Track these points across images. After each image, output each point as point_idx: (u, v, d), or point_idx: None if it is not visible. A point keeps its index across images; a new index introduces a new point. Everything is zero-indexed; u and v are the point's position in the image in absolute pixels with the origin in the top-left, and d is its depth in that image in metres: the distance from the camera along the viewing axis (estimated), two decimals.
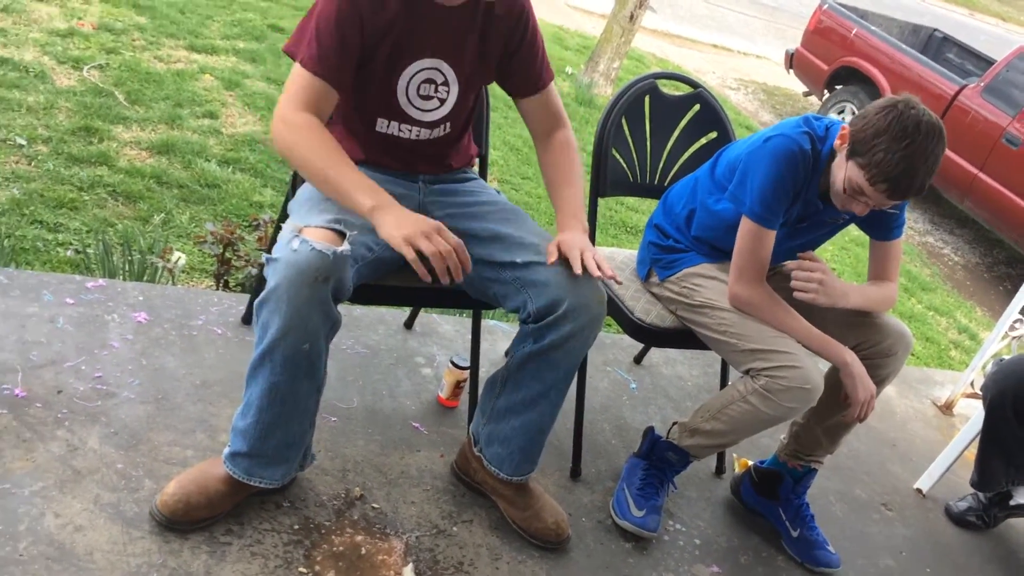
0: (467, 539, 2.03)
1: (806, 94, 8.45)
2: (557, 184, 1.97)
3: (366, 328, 2.61)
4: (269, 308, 1.65)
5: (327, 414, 2.23)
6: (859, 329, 2.17)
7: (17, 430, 1.89)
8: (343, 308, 2.64)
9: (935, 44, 8.14)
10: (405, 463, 2.18)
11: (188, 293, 2.56)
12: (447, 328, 2.79)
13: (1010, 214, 6.11)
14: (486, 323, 2.87)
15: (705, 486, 2.49)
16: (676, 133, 2.55)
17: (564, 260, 1.83)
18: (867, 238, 2.24)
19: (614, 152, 2.44)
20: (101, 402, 2.04)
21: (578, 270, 1.78)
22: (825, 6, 7.88)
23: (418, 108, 1.90)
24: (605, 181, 2.42)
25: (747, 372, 2.06)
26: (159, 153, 3.76)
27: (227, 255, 2.79)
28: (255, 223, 2.89)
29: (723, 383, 2.61)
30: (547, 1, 9.60)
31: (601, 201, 2.47)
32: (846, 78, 7.56)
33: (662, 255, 2.29)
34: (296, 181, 2.15)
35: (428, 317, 2.81)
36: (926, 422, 3.33)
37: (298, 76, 1.75)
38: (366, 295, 1.92)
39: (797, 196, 2.06)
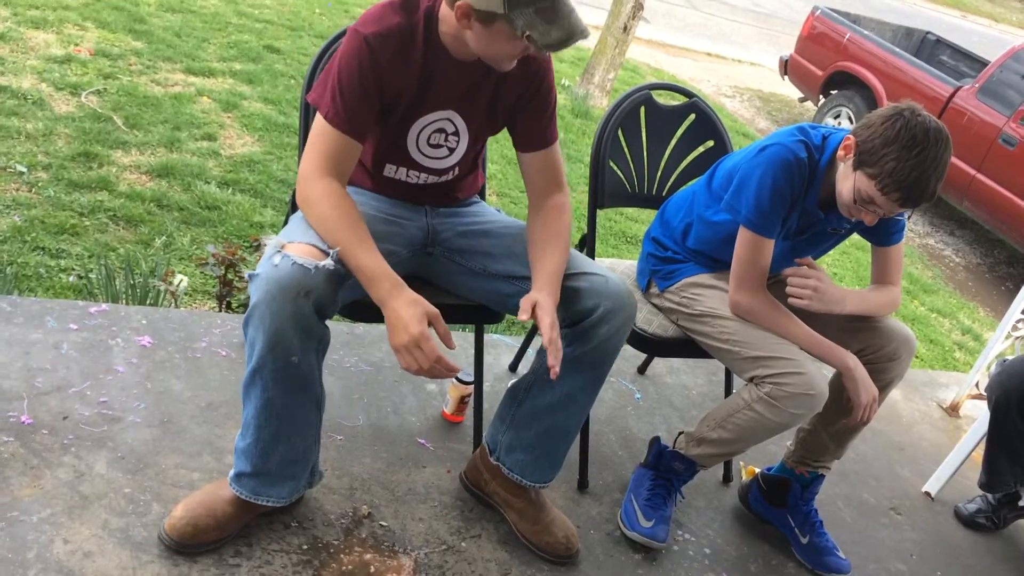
0: (476, 554, 2.02)
1: (801, 100, 8.48)
2: (542, 245, 1.88)
3: (369, 345, 2.61)
4: (253, 325, 1.65)
5: (333, 432, 2.23)
6: (862, 334, 2.17)
7: (24, 457, 1.89)
8: (347, 326, 2.65)
9: (928, 47, 8.17)
10: (412, 480, 2.18)
11: (191, 315, 2.56)
12: None
13: (1009, 214, 6.12)
14: (489, 337, 2.87)
15: (713, 495, 2.49)
16: (672, 143, 2.57)
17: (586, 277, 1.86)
18: (867, 242, 2.25)
19: (611, 164, 2.45)
20: (107, 427, 2.04)
21: (548, 344, 1.74)
22: (818, 12, 7.91)
23: (427, 156, 1.91)
24: (603, 192, 2.43)
25: (751, 380, 2.06)
26: (159, 176, 3.77)
27: (229, 276, 2.80)
28: (256, 244, 2.90)
29: (727, 391, 2.61)
30: None
31: (600, 212, 2.47)
32: (841, 83, 7.59)
33: (661, 266, 2.29)
34: (296, 201, 2.16)
35: (429, 330, 2.81)
36: (932, 425, 3.33)
37: (323, 132, 1.74)
38: (366, 312, 1.91)
39: (794, 205, 2.06)
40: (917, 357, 4.49)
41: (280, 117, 4.75)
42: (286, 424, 1.77)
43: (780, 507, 2.36)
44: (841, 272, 5.41)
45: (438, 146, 1.90)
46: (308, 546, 1.90)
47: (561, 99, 6.69)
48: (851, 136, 1.97)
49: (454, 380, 2.39)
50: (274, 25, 6.28)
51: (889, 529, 2.60)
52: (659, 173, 2.56)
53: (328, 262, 1.66)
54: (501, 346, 2.88)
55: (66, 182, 3.50)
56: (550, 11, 1.60)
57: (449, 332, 1.69)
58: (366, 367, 2.52)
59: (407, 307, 1.66)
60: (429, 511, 2.10)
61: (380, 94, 1.75)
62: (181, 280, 2.86)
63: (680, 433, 2.25)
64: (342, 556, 1.90)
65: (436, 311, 1.68)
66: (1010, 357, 3.28)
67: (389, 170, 1.93)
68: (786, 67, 8.21)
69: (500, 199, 4.68)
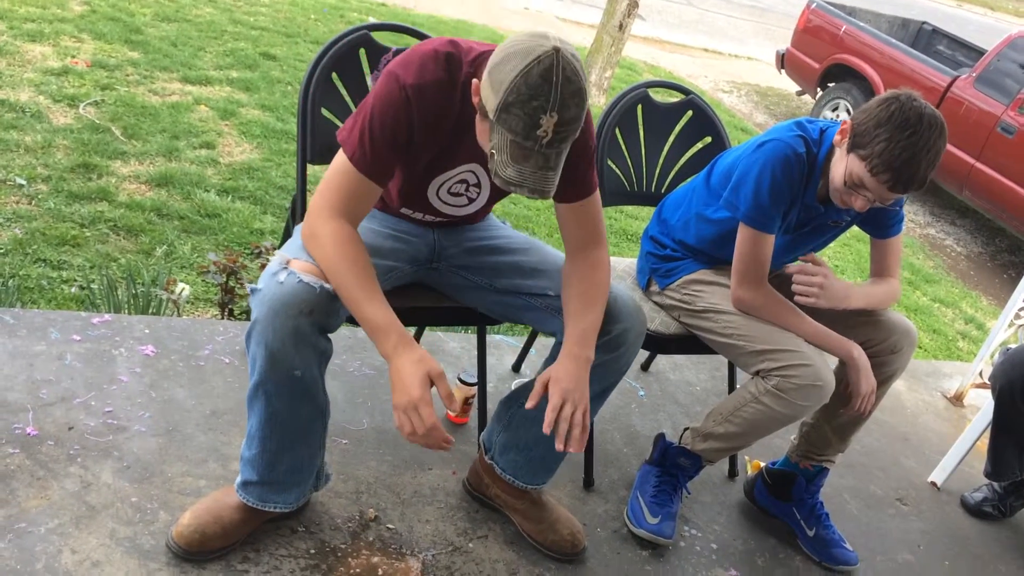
0: (483, 555, 2.03)
1: (799, 93, 8.48)
2: (578, 301, 1.80)
3: (372, 349, 2.62)
4: (255, 340, 1.64)
5: (337, 437, 2.23)
6: (863, 328, 2.18)
7: (31, 468, 1.90)
8: (349, 331, 2.65)
9: (925, 37, 8.17)
10: (418, 482, 2.18)
11: (194, 324, 2.57)
12: (453, 345, 2.79)
13: (1009, 202, 6.12)
14: (491, 338, 2.88)
15: (719, 490, 2.49)
16: (670, 140, 2.57)
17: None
18: (867, 234, 2.25)
19: (610, 162, 2.45)
20: (112, 436, 2.05)
21: (548, 428, 1.68)
22: (813, 5, 7.91)
23: (446, 204, 1.88)
24: (603, 191, 2.43)
25: (757, 373, 2.06)
26: (158, 186, 3.78)
27: (230, 284, 2.80)
28: (257, 251, 2.91)
29: (731, 386, 2.61)
30: (534, 15, 9.66)
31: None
32: (838, 75, 7.59)
33: (660, 264, 2.30)
34: (296, 208, 2.17)
35: (434, 335, 2.82)
36: (937, 415, 3.33)
37: (344, 172, 1.67)
38: None
39: (794, 200, 2.06)
40: (920, 348, 4.49)
41: (278, 124, 4.76)
42: (291, 434, 1.77)
43: (786, 501, 2.36)
44: (843, 264, 5.41)
45: (458, 195, 1.87)
46: (316, 550, 1.90)
47: None
48: (847, 121, 1.97)
49: (458, 381, 2.39)
50: (270, 32, 6.28)
51: (896, 520, 2.60)
52: (657, 170, 2.57)
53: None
54: (504, 347, 2.88)
55: (66, 194, 3.51)
56: (521, 153, 1.52)
57: (452, 393, 1.65)
58: (369, 371, 2.53)
59: (411, 365, 1.60)
60: (435, 513, 2.10)
61: (409, 144, 1.69)
62: (183, 288, 2.87)
63: (686, 429, 2.25)
64: (350, 560, 1.91)
65: (440, 370, 1.63)
66: (1013, 345, 3.28)
67: (406, 211, 1.91)
68: (783, 61, 8.21)
69: (502, 202, 4.67)
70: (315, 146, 2.14)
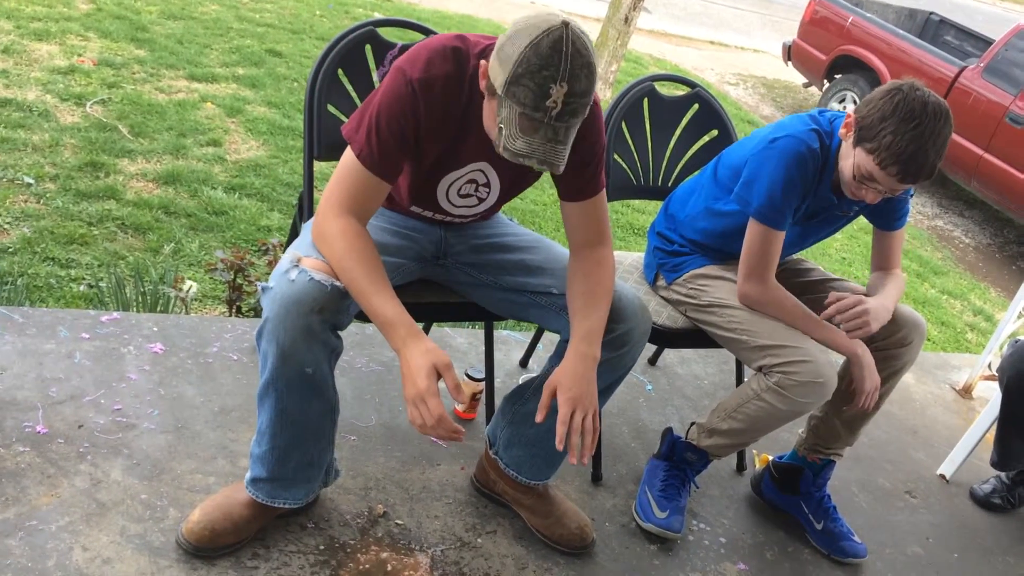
0: (492, 550, 2.03)
1: (806, 85, 8.45)
2: (583, 299, 1.79)
3: (380, 345, 2.62)
4: (266, 338, 1.64)
5: (346, 433, 2.24)
6: None
7: (41, 466, 1.91)
8: (356, 327, 2.66)
9: (932, 27, 8.13)
10: (426, 478, 2.19)
11: (202, 321, 2.58)
12: (460, 341, 2.80)
13: (1018, 193, 6.09)
14: (499, 333, 2.88)
15: (727, 483, 2.49)
16: (677, 134, 2.56)
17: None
18: (873, 225, 2.24)
19: (616, 156, 2.45)
20: (122, 434, 2.06)
21: (560, 444, 1.67)
22: None
23: (455, 204, 1.87)
24: (609, 186, 2.42)
25: (759, 369, 2.06)
26: (165, 184, 3.79)
27: (238, 281, 2.81)
28: (264, 247, 2.92)
29: (739, 380, 2.61)
30: (539, 9, 9.64)
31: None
32: (845, 67, 7.56)
33: (667, 259, 2.29)
34: (303, 204, 2.17)
35: (441, 331, 2.82)
36: (946, 407, 3.32)
37: (352, 169, 1.67)
38: None
39: (807, 194, 2.06)
40: (929, 340, 4.48)
41: (284, 120, 4.76)
42: (301, 431, 1.77)
43: (793, 495, 2.36)
44: (851, 256, 5.39)
45: (467, 195, 1.86)
46: (325, 546, 1.91)
47: None
48: (851, 114, 1.96)
49: (465, 377, 2.40)
50: (275, 29, 6.29)
51: (905, 513, 2.60)
52: (664, 164, 2.56)
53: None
54: (511, 342, 2.89)
55: (74, 192, 3.52)
56: (531, 125, 1.50)
57: (459, 385, 1.64)
58: (377, 367, 2.53)
59: (419, 357, 1.60)
60: (444, 508, 2.11)
61: (416, 140, 1.68)
62: (191, 286, 2.88)
63: (692, 424, 2.25)
64: (359, 555, 1.91)
65: (447, 361, 1.62)
66: (1022, 337, 3.27)
67: (415, 209, 1.91)
68: (789, 53, 8.19)
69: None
70: (322, 143, 2.14)
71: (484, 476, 2.15)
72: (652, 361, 2.99)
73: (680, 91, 2.57)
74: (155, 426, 2.10)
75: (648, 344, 1.97)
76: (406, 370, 1.61)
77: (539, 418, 1.71)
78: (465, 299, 2.04)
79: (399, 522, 2.03)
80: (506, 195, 1.91)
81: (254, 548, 1.85)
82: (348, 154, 1.69)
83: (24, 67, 4.55)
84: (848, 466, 2.70)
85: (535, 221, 4.49)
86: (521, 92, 1.48)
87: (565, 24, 1.48)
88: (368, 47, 2.16)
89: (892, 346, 2.16)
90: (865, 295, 2.10)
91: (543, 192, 4.78)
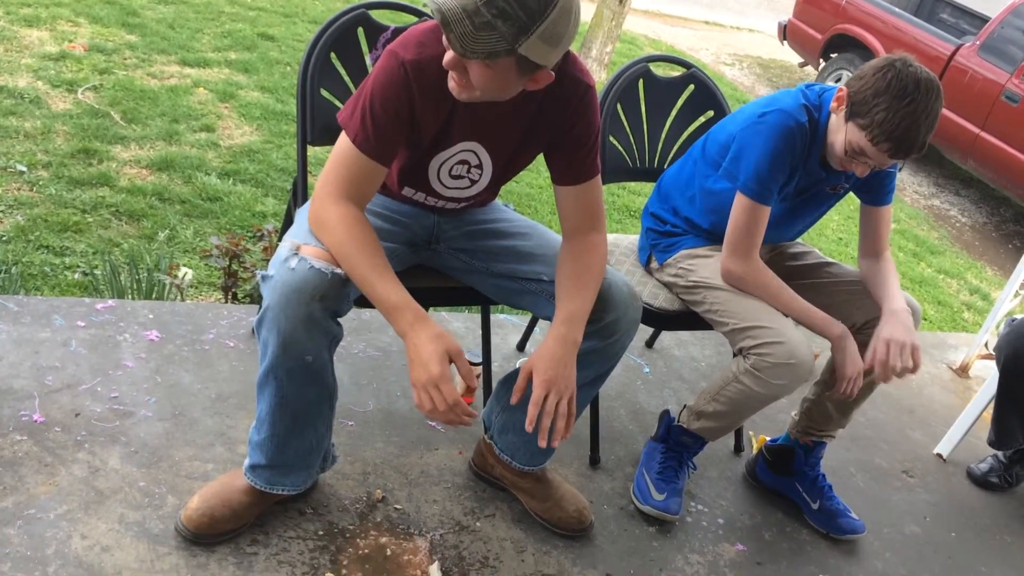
0: (491, 534, 2.04)
1: (802, 65, 8.42)
2: (571, 283, 1.78)
3: (377, 331, 2.62)
4: (267, 326, 1.64)
5: (344, 419, 2.24)
6: (868, 306, 2.16)
7: (38, 455, 1.91)
8: (354, 312, 2.63)
9: (928, 5, 8.09)
10: (424, 462, 2.19)
11: (197, 308, 2.57)
12: (457, 325, 2.79)
13: (1014, 171, 6.08)
14: (495, 317, 2.88)
15: (725, 465, 2.49)
16: (672, 115, 2.55)
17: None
18: (862, 201, 2.24)
19: (611, 138, 2.44)
20: (119, 422, 2.05)
21: (530, 426, 1.67)
22: None
23: (447, 186, 1.86)
24: (604, 168, 2.41)
25: (740, 351, 2.05)
26: (159, 170, 3.77)
27: (233, 267, 2.80)
28: (259, 233, 2.90)
29: None
30: None
31: (603, 187, 2.46)
32: (841, 46, 7.53)
33: (660, 240, 2.29)
34: (297, 190, 2.16)
35: (437, 315, 2.82)
36: (943, 386, 3.33)
37: (348, 154, 1.66)
38: None
39: (795, 169, 2.05)
40: (925, 319, 4.48)
41: (278, 105, 4.74)
42: (300, 418, 1.77)
43: (787, 475, 2.36)
44: (847, 237, 5.39)
45: (459, 177, 1.84)
46: (324, 532, 1.91)
47: None
48: (843, 88, 1.95)
49: None
50: (267, 12, 6.25)
51: (902, 492, 2.61)
52: (660, 146, 2.55)
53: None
54: (508, 326, 2.88)
55: (67, 179, 3.51)
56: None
57: (472, 371, 1.63)
58: (374, 352, 2.53)
59: (429, 343, 1.59)
60: (443, 493, 2.11)
61: (411, 121, 1.68)
62: (186, 273, 2.87)
63: (684, 407, 2.25)
64: (358, 540, 1.92)
65: (458, 347, 1.62)
66: (1019, 316, 3.27)
67: (408, 192, 1.89)
68: (785, 32, 8.15)
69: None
70: (315, 127, 2.13)
71: (482, 460, 2.15)
72: (649, 344, 2.99)
73: (676, 72, 2.55)
74: (152, 414, 2.10)
75: (645, 327, 1.97)
76: (415, 355, 1.61)
77: (513, 400, 1.72)
78: (461, 284, 2.04)
79: (398, 507, 2.03)
80: (500, 178, 1.89)
81: (253, 534, 1.85)
82: (343, 140, 1.68)
83: (14, 53, 4.51)
84: (845, 446, 2.71)
85: (531, 204, 4.48)
86: None
87: None
88: (361, 30, 2.14)
89: None
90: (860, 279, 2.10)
91: (539, 175, 4.76)
